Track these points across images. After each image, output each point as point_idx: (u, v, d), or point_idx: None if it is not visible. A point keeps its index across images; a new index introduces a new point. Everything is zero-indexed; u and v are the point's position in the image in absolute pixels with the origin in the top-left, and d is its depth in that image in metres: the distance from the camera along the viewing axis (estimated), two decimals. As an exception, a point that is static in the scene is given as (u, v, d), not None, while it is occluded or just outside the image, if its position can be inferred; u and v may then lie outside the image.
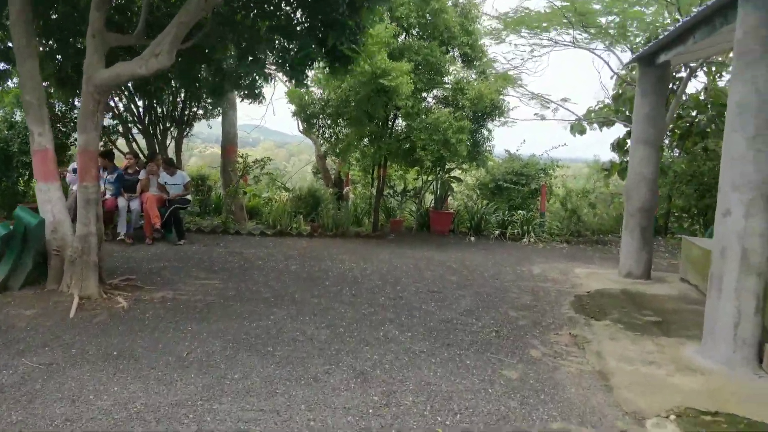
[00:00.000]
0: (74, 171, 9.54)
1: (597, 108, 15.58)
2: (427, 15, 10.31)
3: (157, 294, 6.34)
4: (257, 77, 8.48)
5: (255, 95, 8.66)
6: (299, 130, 11.43)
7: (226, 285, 6.96)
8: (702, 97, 15.18)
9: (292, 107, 11.07)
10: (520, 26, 14.45)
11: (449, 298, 6.91)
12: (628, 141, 16.28)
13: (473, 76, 11.34)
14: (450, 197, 12.70)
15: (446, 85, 10.84)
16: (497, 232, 12.21)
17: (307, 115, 10.92)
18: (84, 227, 5.96)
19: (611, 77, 15.37)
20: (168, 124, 11.74)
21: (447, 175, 12.24)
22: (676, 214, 16.93)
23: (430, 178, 12.73)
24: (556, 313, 6.51)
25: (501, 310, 6.49)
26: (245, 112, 58.07)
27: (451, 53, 10.89)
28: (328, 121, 11.21)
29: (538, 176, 14.27)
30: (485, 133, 11.62)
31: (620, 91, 15.10)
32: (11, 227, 5.90)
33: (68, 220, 6.11)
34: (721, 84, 14.98)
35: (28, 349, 4.56)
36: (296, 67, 7.30)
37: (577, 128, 15.29)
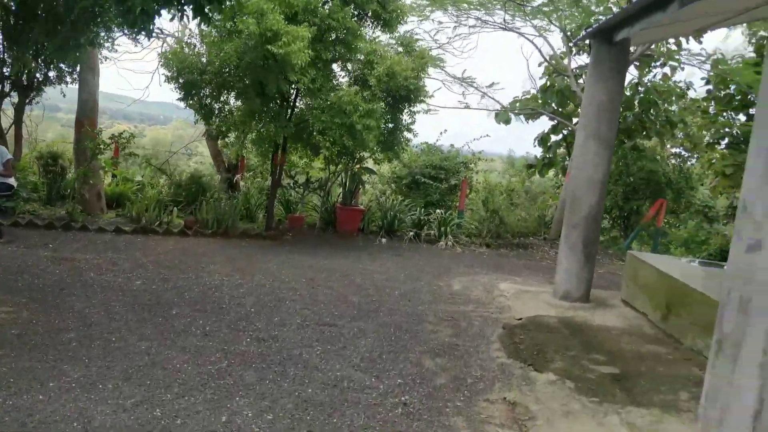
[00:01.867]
0: None
1: (523, 98, 14.16)
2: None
3: None
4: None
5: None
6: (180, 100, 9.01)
7: (19, 314, 4.64)
8: (628, 93, 14.11)
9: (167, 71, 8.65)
10: (446, 2, 12.70)
11: (345, 335, 4.96)
12: (552, 136, 15.07)
13: (395, 46, 9.39)
14: (361, 192, 10.77)
15: (359, 57, 8.82)
16: (411, 233, 10.41)
17: (184, 82, 8.50)
18: None
19: (539, 65, 13.91)
20: (6, 88, 8.96)
21: (358, 166, 10.27)
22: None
23: (339, 169, 10.70)
24: (484, 359, 4.74)
25: (413, 356, 4.62)
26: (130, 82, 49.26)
27: (362, 16, 8.84)
28: (211, 92, 8.86)
29: (459, 170, 12.64)
30: (404, 119, 9.73)
31: (548, 82, 13.73)
32: None
33: None
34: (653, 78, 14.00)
35: None
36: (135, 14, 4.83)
37: (502, 117, 13.78)
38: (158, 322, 4.85)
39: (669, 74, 13.96)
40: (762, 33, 13.60)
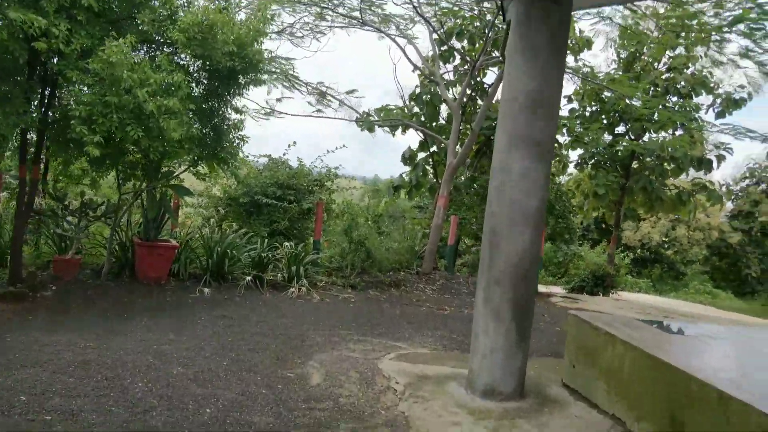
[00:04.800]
0: None
1: (388, 108, 11.79)
2: None
3: None
4: None
5: None
6: None
7: None
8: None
9: None
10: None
11: None
12: (421, 153, 12.89)
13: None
14: (170, 221, 7.39)
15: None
16: (249, 276, 7.33)
17: None
18: None
19: (413, 70, 11.61)
20: None
21: (162, 183, 6.94)
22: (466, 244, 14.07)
23: (141, 187, 7.27)
24: None
25: None
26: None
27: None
28: None
29: (312, 190, 9.85)
30: (231, 115, 6.75)
31: (417, 90, 11.52)
32: None
33: None
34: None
35: None
36: None
37: (366, 124, 11.21)
38: None
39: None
40: (630, 50, 12.74)
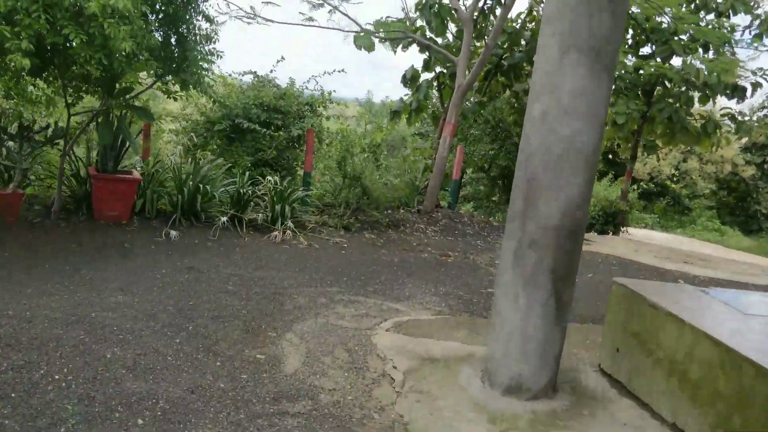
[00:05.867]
0: None
1: (389, 22, 10.26)
2: None
3: None
4: None
5: None
6: None
7: None
8: (517, 24, 10.92)
9: None
10: None
11: None
12: (425, 74, 11.49)
13: None
14: (130, 151, 6.21)
15: None
16: (226, 216, 6.27)
17: None
18: None
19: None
20: None
21: (121, 103, 5.70)
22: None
23: (99, 107, 6.05)
24: None
25: None
26: None
27: None
28: None
29: (303, 115, 8.62)
30: (200, 25, 5.48)
31: (424, -2, 9.96)
32: None
33: None
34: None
35: None
36: None
37: (364, 41, 9.74)
38: None
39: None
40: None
